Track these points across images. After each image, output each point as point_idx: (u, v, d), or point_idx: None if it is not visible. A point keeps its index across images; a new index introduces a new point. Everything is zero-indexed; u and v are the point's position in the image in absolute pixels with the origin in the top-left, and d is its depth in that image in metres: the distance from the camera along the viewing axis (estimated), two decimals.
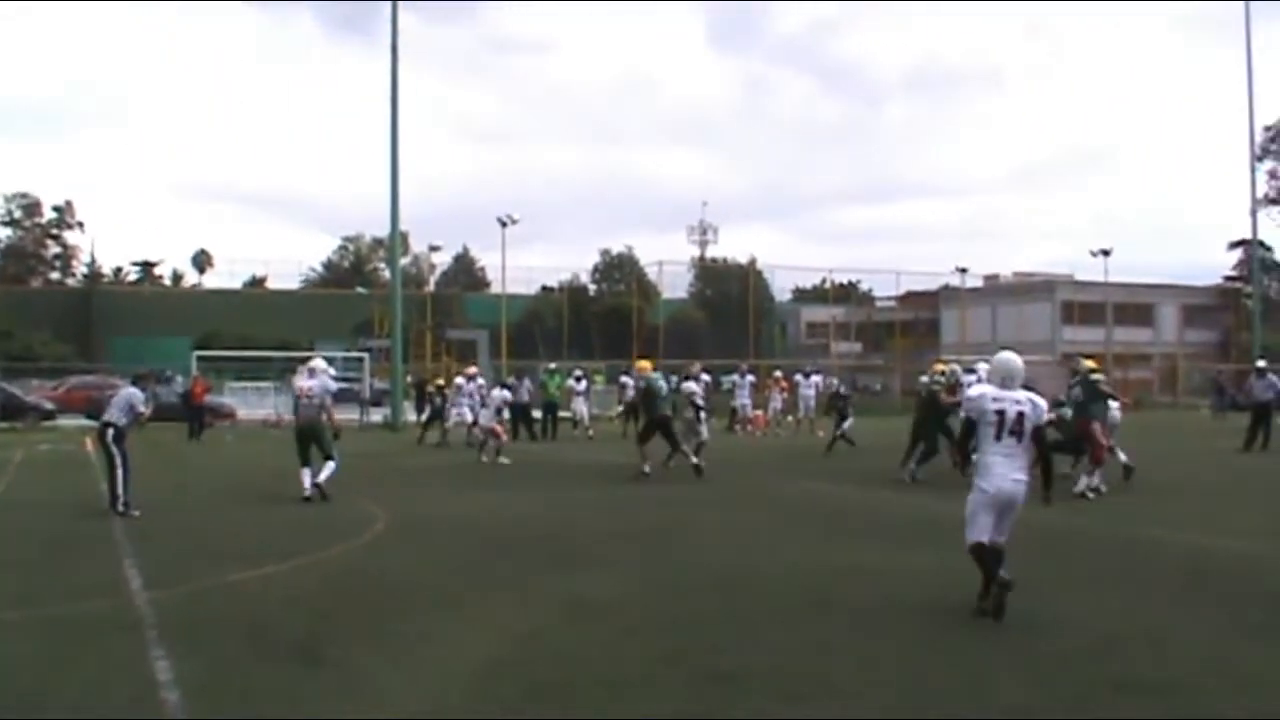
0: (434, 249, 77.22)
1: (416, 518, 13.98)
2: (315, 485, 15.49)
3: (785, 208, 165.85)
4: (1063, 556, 10.66)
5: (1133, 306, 67.60)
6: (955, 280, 67.20)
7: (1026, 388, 8.37)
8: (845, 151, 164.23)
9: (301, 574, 10.04)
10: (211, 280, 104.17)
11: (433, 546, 11.73)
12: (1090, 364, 16.66)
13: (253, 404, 42.60)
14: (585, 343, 69.19)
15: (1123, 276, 66.96)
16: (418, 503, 15.61)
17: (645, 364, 20.75)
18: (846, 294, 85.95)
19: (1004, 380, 8.20)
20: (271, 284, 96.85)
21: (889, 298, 77.52)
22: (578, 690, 6.37)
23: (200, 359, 39.88)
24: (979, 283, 72.07)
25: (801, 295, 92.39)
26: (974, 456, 8.44)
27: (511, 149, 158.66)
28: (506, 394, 25.18)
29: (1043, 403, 8.29)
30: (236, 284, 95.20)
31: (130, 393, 14.73)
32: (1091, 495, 15.27)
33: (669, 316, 66.41)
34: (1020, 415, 8.00)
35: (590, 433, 30.60)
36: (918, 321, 75.29)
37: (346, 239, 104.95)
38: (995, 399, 8.08)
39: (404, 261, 68.26)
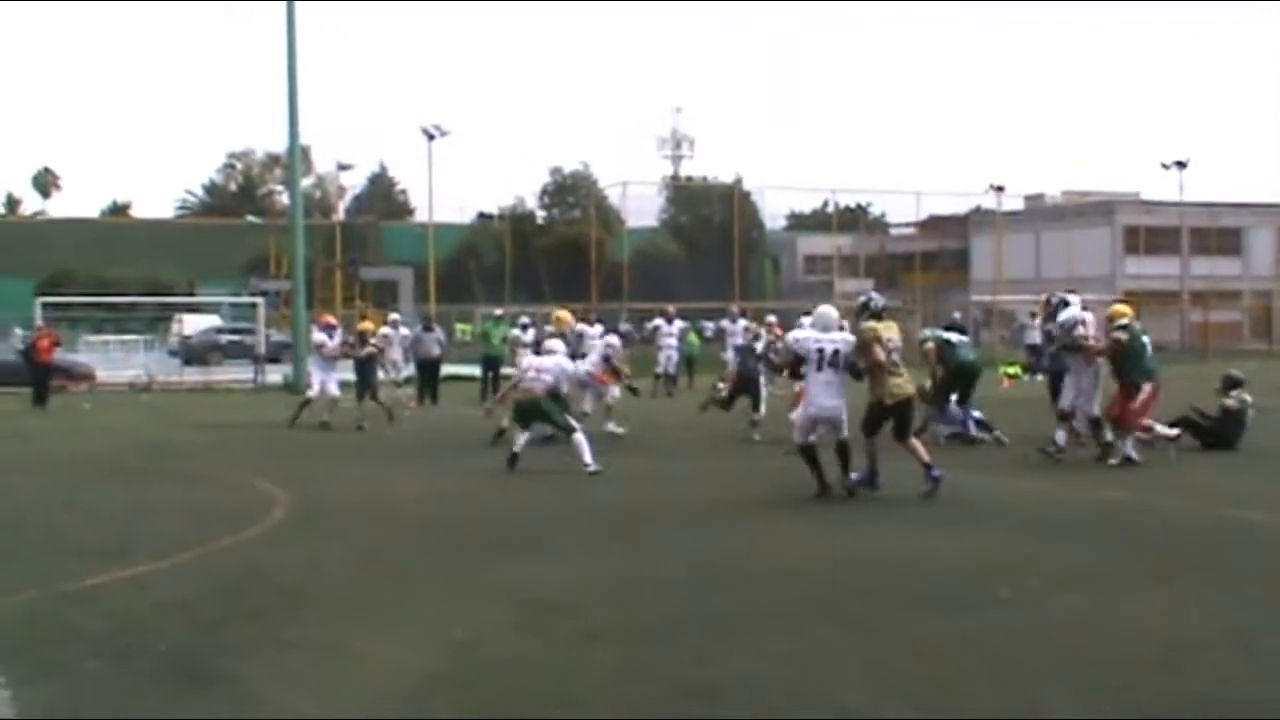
0: (343, 168, 77.09)
1: (324, 500, 13.93)
2: (514, 454, 16.25)
3: (778, 115, 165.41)
4: (1129, 545, 10.70)
5: (1215, 232, 66.67)
6: (989, 201, 67.27)
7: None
8: (852, 47, 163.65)
9: (182, 573, 9.96)
10: (59, 207, 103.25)
11: (344, 535, 11.71)
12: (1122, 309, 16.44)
13: (116, 362, 42.09)
14: (533, 283, 69.05)
15: (1202, 195, 66.74)
16: (326, 482, 15.51)
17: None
18: (854, 220, 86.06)
19: (825, 328, 13.12)
20: (138, 211, 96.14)
21: (907, 224, 77.68)
22: (528, 710, 6.37)
23: (47, 306, 39.49)
24: (1019, 204, 72.07)
25: (798, 222, 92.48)
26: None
27: (440, 46, 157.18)
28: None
29: (853, 339, 12.97)
30: (93, 212, 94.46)
31: None
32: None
33: (635, 249, 66.30)
34: (836, 351, 12.85)
35: None
36: (942, 253, 75.52)
37: (233, 155, 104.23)
38: (817, 340, 12.98)
39: (306, 183, 67.77)
